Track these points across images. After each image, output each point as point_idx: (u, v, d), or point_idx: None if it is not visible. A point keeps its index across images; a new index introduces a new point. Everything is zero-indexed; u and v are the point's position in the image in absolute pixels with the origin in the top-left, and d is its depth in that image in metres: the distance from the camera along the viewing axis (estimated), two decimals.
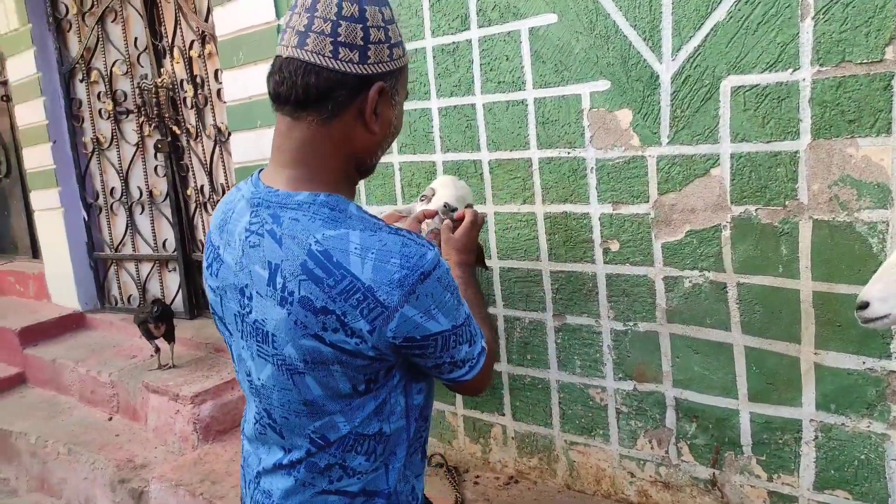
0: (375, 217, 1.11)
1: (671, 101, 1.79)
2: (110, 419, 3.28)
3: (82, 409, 3.40)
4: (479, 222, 1.59)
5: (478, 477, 2.34)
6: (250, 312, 1.09)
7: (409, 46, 2.23)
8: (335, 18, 1.02)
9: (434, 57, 2.21)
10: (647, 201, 1.88)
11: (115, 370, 3.30)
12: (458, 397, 2.41)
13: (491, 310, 2.25)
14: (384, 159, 2.37)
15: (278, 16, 2.61)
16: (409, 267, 1.01)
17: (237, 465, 2.56)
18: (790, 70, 1.61)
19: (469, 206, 1.80)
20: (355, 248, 1.00)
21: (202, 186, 3.55)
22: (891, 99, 1.50)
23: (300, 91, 1.04)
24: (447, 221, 1.61)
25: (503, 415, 2.31)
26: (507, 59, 2.05)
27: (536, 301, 2.15)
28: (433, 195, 1.74)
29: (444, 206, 1.68)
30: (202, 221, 3.64)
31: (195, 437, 2.78)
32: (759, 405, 1.80)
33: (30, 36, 3.97)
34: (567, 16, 1.91)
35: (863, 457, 1.67)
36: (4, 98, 4.65)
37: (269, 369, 1.11)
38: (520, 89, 2.04)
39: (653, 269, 1.91)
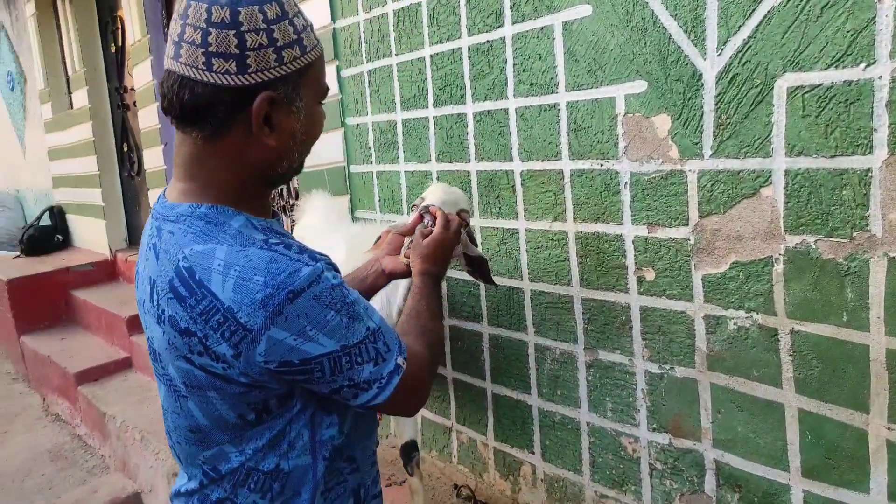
0: (273, 232, 0.99)
1: (716, 104, 1.48)
2: None
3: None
4: (452, 228, 1.42)
5: None
6: (146, 329, 1.04)
7: (445, 47, 2.08)
8: (205, 26, 0.90)
9: (469, 57, 2.03)
10: (687, 224, 1.58)
11: None
12: (489, 427, 2.22)
13: (522, 336, 2.04)
14: (421, 167, 2.26)
15: (333, 18, 2.56)
16: (273, 285, 0.88)
17: None
18: (863, 65, 1.26)
19: (464, 213, 1.62)
20: (218, 265, 0.90)
21: (282, 190, 3.62)
22: None
23: (177, 107, 0.95)
24: (419, 227, 1.44)
25: (533, 453, 2.09)
26: (540, 58, 1.82)
27: (567, 331, 1.91)
28: (422, 203, 1.58)
29: (424, 207, 1.52)
30: (286, 223, 3.71)
31: None
32: (816, 483, 1.44)
33: (148, 46, 4.29)
34: (602, 6, 1.65)
35: None
36: (135, 104, 5.08)
37: (163, 390, 1.06)
38: (552, 92, 1.81)
39: (692, 304, 1.60)
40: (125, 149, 5.32)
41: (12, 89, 7.07)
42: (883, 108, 1.24)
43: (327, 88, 1.05)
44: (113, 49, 5.17)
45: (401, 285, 1.87)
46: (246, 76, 0.91)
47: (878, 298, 1.30)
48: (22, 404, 4.50)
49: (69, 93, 5.73)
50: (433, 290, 1.30)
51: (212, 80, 0.91)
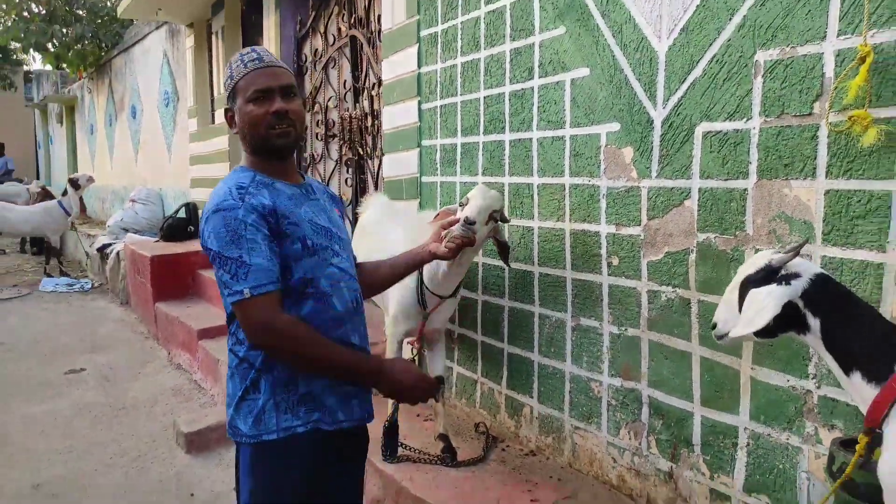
0: (246, 175, 1.60)
1: (661, 141, 2.14)
2: None
3: None
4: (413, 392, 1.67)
5: (508, 446, 2.79)
6: None
7: (494, 91, 2.83)
8: None
9: (509, 100, 2.77)
10: (639, 224, 2.23)
11: None
12: (504, 378, 2.89)
13: (530, 307, 2.71)
14: (471, 179, 3.00)
15: (420, 65, 3.37)
16: (214, 203, 1.53)
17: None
18: (745, 119, 1.89)
19: (495, 213, 2.32)
20: (213, 190, 1.64)
21: (358, 189, 4.47)
22: (816, 147, 1.73)
23: None
24: (456, 228, 2.13)
25: (532, 397, 2.74)
26: (555, 103, 2.54)
27: (560, 303, 2.57)
28: (467, 203, 2.29)
29: (465, 219, 2.19)
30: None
31: None
32: (709, 410, 2.04)
33: None
34: (595, 70, 2.35)
35: (781, 466, 1.84)
36: None
37: None
38: (561, 127, 2.52)
39: (640, 282, 2.24)
40: None
41: (167, 105, 8.48)
42: (755, 148, 1.87)
43: (255, 91, 1.57)
44: None
45: (442, 263, 2.61)
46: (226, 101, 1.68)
47: None
48: (152, 356, 5.56)
49: (212, 110, 6.95)
50: (352, 365, 1.60)
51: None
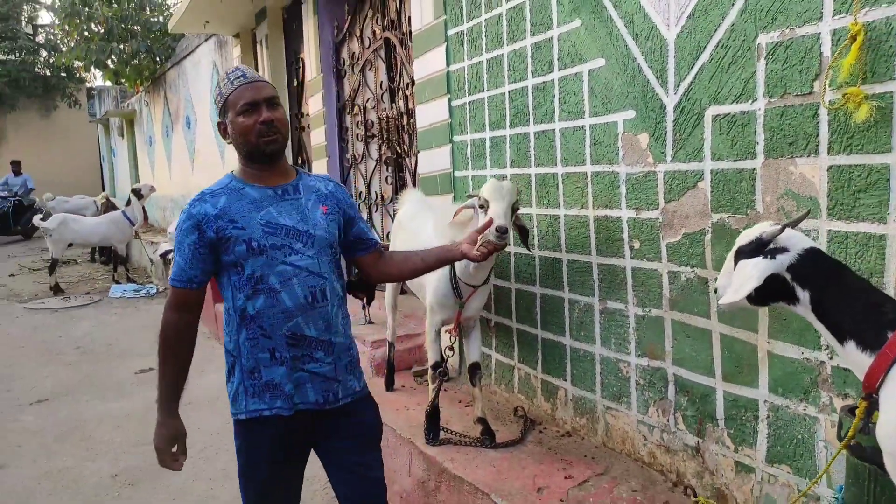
0: (226, 179, 1.91)
1: (674, 126, 2.20)
2: None
3: None
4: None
5: (545, 428, 2.90)
6: None
7: (518, 86, 2.93)
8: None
9: (532, 93, 2.86)
10: (657, 208, 2.30)
11: None
12: (539, 363, 3.00)
13: (560, 293, 2.81)
14: (500, 171, 3.11)
15: (448, 64, 3.49)
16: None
17: (390, 393, 3.49)
18: (750, 101, 1.95)
19: (515, 204, 2.43)
20: None
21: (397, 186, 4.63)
22: (818, 125, 1.77)
23: None
24: (484, 235, 2.20)
25: (565, 380, 2.84)
26: (574, 94, 2.62)
27: (588, 288, 2.66)
28: (486, 206, 2.37)
29: (497, 229, 2.24)
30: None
31: (371, 370, 3.80)
32: (730, 385, 2.10)
33: (321, 82, 5.53)
34: (610, 60, 2.43)
35: (800, 436, 1.89)
36: (308, 126, 6.40)
37: None
38: (581, 118, 2.60)
39: (660, 264, 2.31)
40: (299, 161, 6.68)
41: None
42: (761, 129, 1.92)
43: (243, 105, 1.82)
44: (295, 83, 6.55)
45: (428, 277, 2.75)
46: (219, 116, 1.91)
47: None
48: (214, 354, 5.87)
49: None
50: (159, 387, 1.90)
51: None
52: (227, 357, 1.90)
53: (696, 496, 2.21)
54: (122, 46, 12.36)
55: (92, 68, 13.62)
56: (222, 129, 1.91)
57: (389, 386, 3.55)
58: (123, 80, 13.29)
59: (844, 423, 1.57)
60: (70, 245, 9.71)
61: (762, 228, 1.47)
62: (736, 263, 1.48)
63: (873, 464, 1.50)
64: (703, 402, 2.19)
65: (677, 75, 2.17)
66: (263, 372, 1.83)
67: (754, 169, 1.95)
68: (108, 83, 15.32)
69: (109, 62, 12.69)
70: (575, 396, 2.79)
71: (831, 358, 1.79)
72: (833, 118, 1.71)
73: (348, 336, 1.99)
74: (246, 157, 1.88)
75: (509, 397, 3.23)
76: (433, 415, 2.82)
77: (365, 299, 4.29)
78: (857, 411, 1.46)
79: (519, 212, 2.53)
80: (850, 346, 1.37)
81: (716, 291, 1.58)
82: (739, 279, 1.43)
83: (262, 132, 1.81)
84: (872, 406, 1.39)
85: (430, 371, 2.87)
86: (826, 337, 1.41)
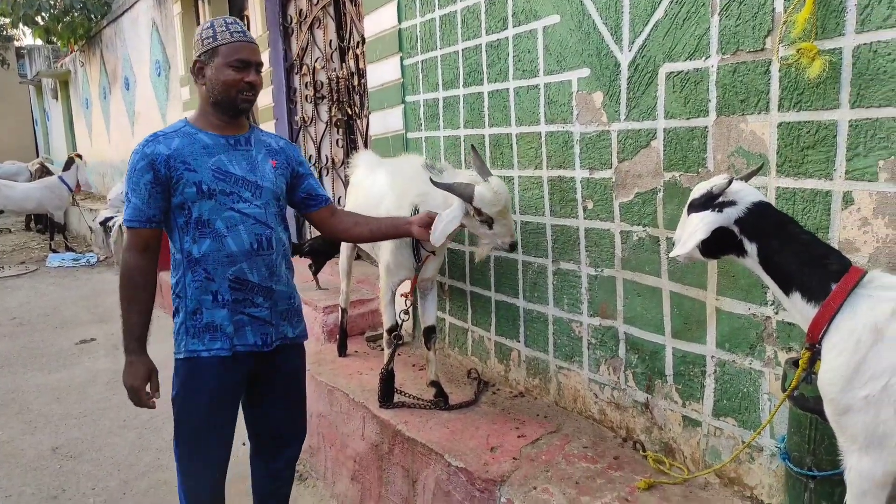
0: (179, 124, 1.98)
1: (628, 85, 2.19)
2: None
3: None
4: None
5: (498, 390, 2.91)
6: None
7: (471, 44, 2.86)
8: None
9: (486, 51, 2.80)
10: (611, 168, 2.29)
11: None
12: (492, 325, 3.00)
13: (512, 255, 2.80)
14: (454, 133, 3.05)
15: (399, 21, 3.39)
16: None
17: (343, 358, 3.45)
18: (703, 58, 1.94)
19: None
20: None
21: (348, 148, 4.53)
22: (769, 82, 1.78)
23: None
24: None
25: (519, 342, 2.85)
26: (529, 52, 2.57)
27: (542, 249, 2.65)
28: (487, 220, 2.27)
29: (511, 246, 2.32)
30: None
31: (323, 336, 3.74)
32: (679, 341, 2.13)
33: (267, 40, 5.32)
34: (565, 17, 2.38)
35: (745, 390, 1.94)
36: None
37: None
38: (535, 76, 2.56)
39: (613, 224, 2.31)
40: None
41: (159, 75, 8.47)
42: (713, 86, 1.92)
43: (237, 60, 1.90)
44: None
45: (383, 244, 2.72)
46: (195, 55, 1.92)
47: None
48: (158, 324, 5.70)
49: None
50: (125, 327, 1.95)
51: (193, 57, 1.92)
52: (174, 298, 1.97)
53: (644, 451, 2.26)
54: (52, 1, 11.64)
55: (20, 25, 12.80)
56: (198, 68, 1.95)
57: (342, 351, 3.50)
58: (55, 39, 12.56)
59: (788, 375, 1.61)
60: (1, 212, 9.22)
61: (713, 182, 1.48)
62: (689, 216, 1.48)
63: (814, 413, 1.55)
64: (653, 359, 2.23)
65: (632, 32, 2.14)
66: (205, 313, 1.92)
67: (706, 127, 1.95)
68: (39, 41, 14.46)
69: (39, 19, 11.95)
70: (528, 357, 2.81)
71: (776, 313, 1.83)
72: (784, 75, 1.72)
73: (290, 286, 2.12)
74: (214, 104, 1.95)
75: (463, 360, 3.24)
76: (388, 379, 2.79)
77: (313, 267, 4.21)
78: (800, 362, 1.50)
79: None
80: (796, 297, 1.39)
81: (674, 245, 1.59)
82: (688, 232, 1.44)
83: (243, 89, 1.92)
84: (815, 356, 1.42)
85: (385, 335, 2.83)
86: (773, 289, 1.43)
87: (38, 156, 17.71)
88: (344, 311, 3.52)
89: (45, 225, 10.50)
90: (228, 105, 1.94)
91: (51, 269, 8.57)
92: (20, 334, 5.73)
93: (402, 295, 2.84)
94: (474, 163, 2.43)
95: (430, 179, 2.31)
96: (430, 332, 2.84)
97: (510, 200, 2.35)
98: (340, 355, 3.49)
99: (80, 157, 9.57)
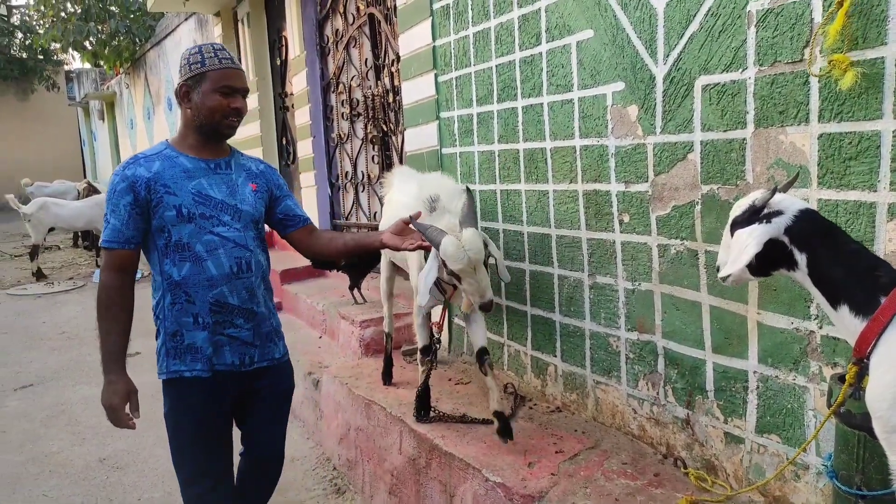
0: (160, 146, 2.02)
1: (663, 97, 2.18)
2: (320, 337, 4.49)
3: (306, 329, 4.69)
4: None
5: (535, 404, 2.90)
6: None
7: (505, 59, 2.88)
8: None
9: (520, 67, 2.82)
10: (647, 181, 2.28)
11: (328, 304, 4.50)
12: (528, 340, 2.99)
13: (549, 269, 2.79)
14: (488, 148, 3.07)
15: (434, 39, 3.44)
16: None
17: (380, 372, 3.47)
18: (740, 70, 1.92)
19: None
20: None
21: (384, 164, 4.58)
22: (808, 93, 1.75)
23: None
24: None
25: (555, 356, 2.84)
26: (563, 67, 2.58)
27: (577, 263, 2.65)
28: (455, 276, 2.24)
29: (483, 308, 2.26)
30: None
31: (360, 350, 3.78)
32: (720, 356, 2.10)
33: (304, 60, 5.44)
34: (598, 31, 2.39)
35: (789, 406, 1.90)
36: (293, 106, 6.31)
37: None
38: (569, 91, 2.57)
39: (650, 237, 2.30)
40: (284, 142, 6.59)
41: None
42: (751, 98, 1.90)
43: (224, 86, 1.94)
44: (278, 62, 6.45)
45: (411, 257, 2.72)
46: (182, 78, 1.96)
47: None
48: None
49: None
50: (102, 348, 1.95)
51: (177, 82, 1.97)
52: (154, 319, 2.03)
53: (685, 468, 2.22)
54: (99, 27, 12.10)
55: (70, 50, 13.33)
56: (184, 91, 1.97)
57: (387, 380, 3.28)
58: (102, 62, 13.04)
59: (834, 391, 1.57)
60: (52, 230, 9.56)
61: (753, 196, 1.46)
62: (732, 235, 1.46)
63: (862, 430, 1.51)
64: (693, 375, 2.20)
65: (667, 45, 2.14)
66: (185, 335, 1.97)
67: (744, 139, 1.93)
68: (87, 65, 15.03)
69: (87, 43, 12.44)
70: (565, 372, 2.79)
71: (821, 327, 1.79)
72: (824, 86, 1.70)
73: (269, 308, 2.15)
74: (198, 128, 1.99)
75: (499, 374, 3.23)
76: (422, 395, 2.78)
77: (350, 282, 4.27)
78: (846, 377, 1.46)
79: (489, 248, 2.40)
80: (844, 310, 1.36)
81: (718, 270, 1.55)
82: (737, 249, 1.42)
83: (228, 115, 1.97)
84: (863, 371, 1.39)
85: (419, 355, 2.84)
86: (821, 303, 1.40)
87: (85, 176, 18.35)
88: (388, 336, 3.33)
89: (92, 242, 10.84)
90: (213, 130, 1.98)
91: (97, 284, 8.85)
92: (68, 348, 5.91)
93: (432, 324, 2.76)
94: (464, 207, 2.32)
95: (410, 216, 2.19)
96: (481, 355, 2.59)
97: (481, 258, 2.19)
98: (385, 384, 3.26)
99: None
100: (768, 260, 1.43)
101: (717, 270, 1.56)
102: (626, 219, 2.38)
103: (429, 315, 2.87)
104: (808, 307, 1.82)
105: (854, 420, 1.53)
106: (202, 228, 1.94)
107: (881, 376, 1.32)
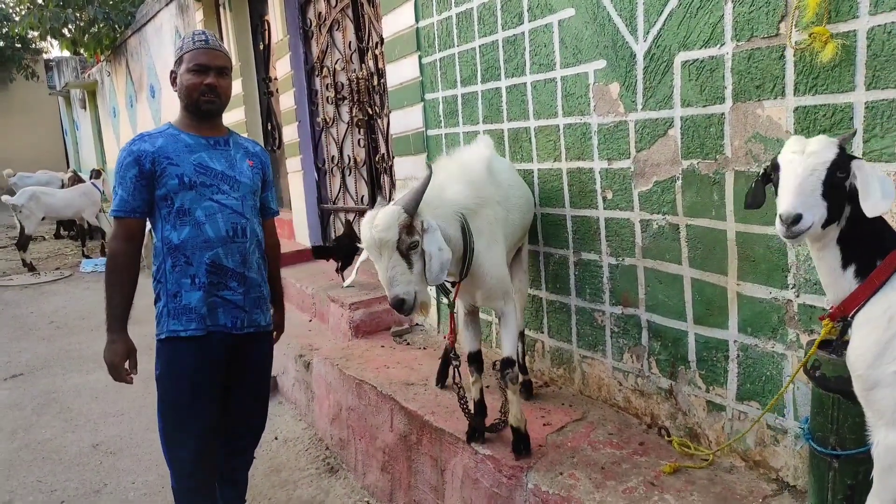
0: (164, 126, 2.17)
1: (644, 74, 2.21)
2: (310, 320, 4.52)
3: (296, 313, 4.71)
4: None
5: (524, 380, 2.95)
6: None
7: (488, 40, 2.90)
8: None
9: (503, 47, 2.84)
10: (629, 157, 2.31)
11: (317, 287, 4.52)
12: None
13: (536, 248, 2.83)
14: (473, 128, 3.09)
15: (417, 20, 3.44)
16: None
17: (371, 353, 3.51)
18: (718, 46, 1.96)
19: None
20: None
21: (383, 154, 4.59)
22: (784, 67, 1.79)
23: None
24: None
25: (542, 333, 2.88)
26: (545, 46, 2.60)
27: (562, 240, 2.69)
28: None
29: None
30: (385, 181, 4.68)
31: (350, 332, 3.82)
32: (701, 327, 2.15)
33: (287, 44, 5.41)
34: (580, 9, 2.41)
35: (768, 373, 1.96)
36: (277, 90, 6.27)
37: None
38: (552, 70, 2.59)
39: (633, 213, 2.34)
40: (269, 127, 6.56)
41: None
42: (729, 73, 1.94)
43: (195, 65, 2.09)
44: (261, 47, 6.40)
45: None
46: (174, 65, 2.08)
47: (730, 198, 1.99)
48: None
49: None
50: (108, 309, 2.10)
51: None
52: (154, 284, 2.16)
53: (669, 436, 2.28)
54: (77, 14, 11.92)
55: (48, 37, 13.13)
56: (172, 77, 2.17)
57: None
58: (82, 50, 12.85)
59: (812, 358, 1.63)
60: (43, 219, 9.49)
61: (825, 140, 1.37)
62: (830, 179, 1.33)
63: (837, 393, 1.57)
64: (676, 346, 2.25)
65: (646, 22, 2.16)
66: (184, 296, 2.10)
67: (723, 113, 1.97)
68: (67, 53, 14.81)
69: (66, 31, 12.25)
70: (552, 348, 2.84)
71: (798, 296, 1.84)
72: (799, 59, 1.73)
73: (262, 275, 2.28)
74: (185, 108, 2.16)
75: (488, 352, 3.27)
76: (444, 361, 2.77)
77: (339, 264, 4.29)
78: (822, 332, 1.51)
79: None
80: (850, 271, 1.38)
81: (795, 222, 1.31)
82: (882, 184, 1.31)
83: (203, 92, 2.10)
84: (845, 329, 1.43)
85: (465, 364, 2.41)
86: (831, 263, 1.39)
87: (68, 165, 18.14)
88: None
89: (78, 232, 10.77)
90: (195, 108, 2.13)
91: (84, 273, 8.80)
92: (58, 337, 5.90)
93: (444, 337, 2.51)
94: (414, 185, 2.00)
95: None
96: (504, 367, 2.27)
97: (388, 240, 1.87)
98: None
99: (102, 171, 9.97)
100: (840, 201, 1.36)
101: (795, 222, 1.32)
102: (610, 195, 2.42)
103: (474, 312, 2.46)
104: (786, 276, 1.87)
105: (829, 383, 1.59)
106: (202, 196, 2.09)
107: (864, 336, 1.36)
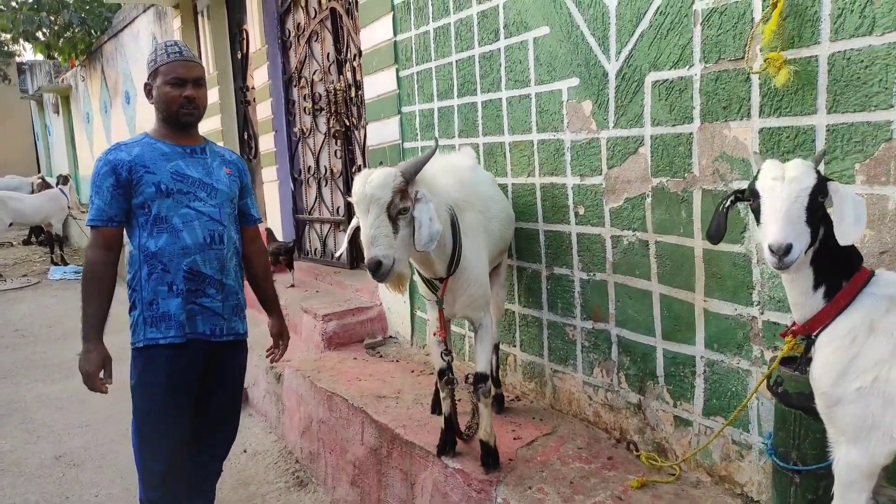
0: (140, 136, 2.18)
1: (615, 93, 2.25)
2: None
3: None
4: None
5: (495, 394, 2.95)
6: None
7: (465, 55, 2.93)
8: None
9: (479, 62, 2.87)
10: (601, 174, 2.35)
11: (289, 298, 4.49)
12: None
13: (509, 262, 2.85)
14: (449, 142, 3.11)
15: (395, 33, 3.46)
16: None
17: (343, 365, 3.49)
18: (687, 67, 2.00)
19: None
20: None
21: (360, 166, 4.59)
22: (750, 89, 1.84)
23: None
24: None
25: (515, 346, 2.90)
26: (520, 63, 2.64)
27: (535, 255, 2.71)
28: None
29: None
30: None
31: (323, 344, 3.79)
32: (670, 343, 2.18)
33: (266, 54, 5.40)
34: (554, 28, 2.45)
35: (734, 389, 1.99)
36: (254, 100, 6.24)
37: None
38: (527, 86, 2.62)
39: (604, 229, 2.37)
40: (245, 136, 6.53)
41: None
42: (697, 94, 1.98)
43: (173, 78, 2.09)
44: (239, 55, 6.38)
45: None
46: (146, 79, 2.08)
47: (698, 215, 2.03)
48: None
49: None
50: (84, 318, 2.07)
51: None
52: (129, 293, 2.14)
53: (637, 451, 2.30)
54: (52, 17, 11.77)
55: (21, 41, 12.94)
56: (147, 90, 2.18)
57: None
58: (56, 54, 12.68)
59: (773, 372, 1.67)
60: (10, 225, 9.30)
61: (804, 164, 1.36)
62: (811, 205, 1.32)
63: (798, 409, 1.60)
64: (645, 361, 2.28)
65: (619, 42, 2.21)
66: (161, 303, 2.08)
67: (691, 133, 2.01)
68: (40, 57, 14.59)
69: (40, 34, 12.08)
70: (524, 361, 2.86)
71: (762, 313, 1.88)
72: (763, 82, 1.78)
73: (239, 283, 2.27)
74: (164, 120, 2.16)
75: (461, 365, 3.27)
76: (449, 425, 2.35)
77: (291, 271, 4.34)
78: (785, 348, 1.54)
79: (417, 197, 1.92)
80: (820, 292, 1.40)
81: (786, 253, 1.29)
82: (856, 210, 1.32)
83: (183, 104, 2.11)
84: (809, 347, 1.45)
85: (437, 379, 2.37)
86: (802, 285, 1.40)
87: (39, 170, 17.81)
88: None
89: (47, 238, 10.57)
90: (174, 120, 2.13)
91: (52, 281, 8.63)
92: (22, 346, 5.77)
93: (433, 334, 2.33)
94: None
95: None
96: (477, 381, 2.24)
97: (380, 198, 1.84)
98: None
99: (69, 177, 9.90)
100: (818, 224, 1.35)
101: (786, 253, 1.29)
102: (582, 211, 2.45)
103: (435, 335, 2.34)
104: (751, 294, 1.91)
105: (791, 400, 1.62)
106: (179, 203, 2.08)
107: (828, 355, 1.39)
